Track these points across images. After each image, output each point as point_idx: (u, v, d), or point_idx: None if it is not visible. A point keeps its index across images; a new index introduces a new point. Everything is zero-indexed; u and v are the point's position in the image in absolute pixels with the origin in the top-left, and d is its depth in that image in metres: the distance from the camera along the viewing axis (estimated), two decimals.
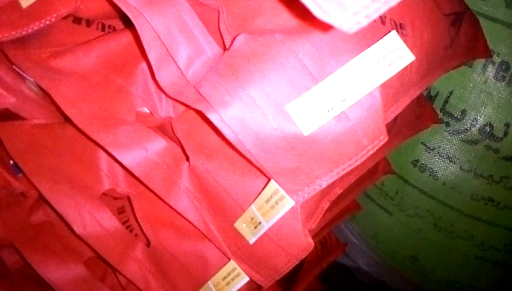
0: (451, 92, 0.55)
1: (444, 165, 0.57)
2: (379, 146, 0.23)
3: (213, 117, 0.22)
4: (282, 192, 0.24)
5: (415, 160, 0.59)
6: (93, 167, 0.36)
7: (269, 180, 0.25)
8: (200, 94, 0.23)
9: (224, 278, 0.32)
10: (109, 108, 0.30)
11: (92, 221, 0.34)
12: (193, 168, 0.30)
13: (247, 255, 0.30)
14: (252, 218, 0.28)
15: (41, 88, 0.35)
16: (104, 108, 0.30)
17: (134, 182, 0.36)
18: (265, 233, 0.28)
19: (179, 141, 0.32)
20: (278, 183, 0.24)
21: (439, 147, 0.57)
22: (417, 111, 0.44)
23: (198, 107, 0.23)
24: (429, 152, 0.58)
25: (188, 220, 0.31)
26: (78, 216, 0.34)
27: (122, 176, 0.36)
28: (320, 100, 0.22)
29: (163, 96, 0.31)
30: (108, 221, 0.35)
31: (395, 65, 0.21)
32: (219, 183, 0.29)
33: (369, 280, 0.70)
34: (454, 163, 0.57)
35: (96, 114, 0.30)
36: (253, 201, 0.27)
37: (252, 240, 0.29)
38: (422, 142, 0.58)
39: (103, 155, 0.36)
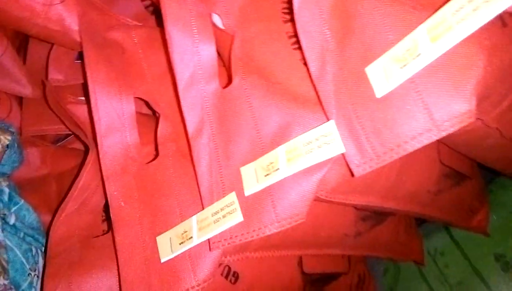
0: None
1: None
2: None
3: None
4: None
5: (500, 254, 0.48)
6: None
7: None
8: None
9: (308, 143, 0.23)
10: None
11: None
12: None
13: (366, 113, 0.22)
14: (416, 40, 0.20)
15: None
16: None
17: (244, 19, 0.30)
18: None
19: None
20: None
21: None
22: None
23: None
24: None
25: (302, 46, 0.24)
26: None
27: None
28: None
29: None
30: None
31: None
32: None
33: None
34: None
35: None
36: None
37: (391, 85, 0.21)
38: None
39: None
